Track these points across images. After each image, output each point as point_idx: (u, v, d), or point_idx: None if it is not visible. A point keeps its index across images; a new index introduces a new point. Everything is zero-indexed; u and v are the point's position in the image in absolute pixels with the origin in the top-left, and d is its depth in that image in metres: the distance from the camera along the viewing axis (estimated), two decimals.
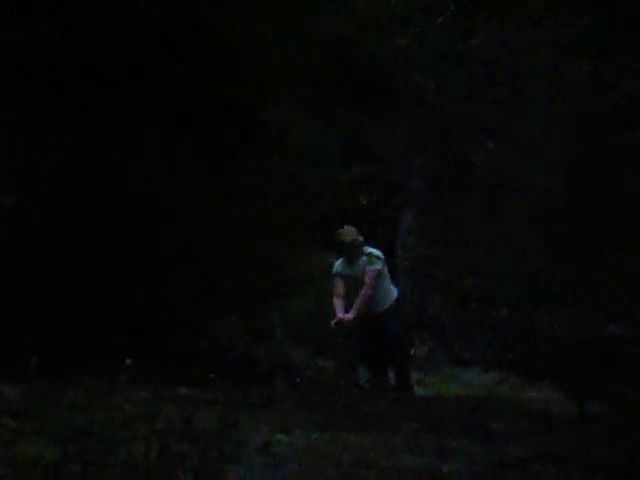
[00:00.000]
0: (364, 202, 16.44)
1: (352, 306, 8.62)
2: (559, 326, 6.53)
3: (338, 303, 8.72)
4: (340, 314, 8.60)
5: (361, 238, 8.79)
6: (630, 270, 5.88)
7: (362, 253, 8.75)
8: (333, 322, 8.62)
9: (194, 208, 8.23)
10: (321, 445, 5.00)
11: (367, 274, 8.65)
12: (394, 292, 9.01)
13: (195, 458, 4.32)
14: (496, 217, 15.36)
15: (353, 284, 8.72)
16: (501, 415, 6.81)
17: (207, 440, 4.66)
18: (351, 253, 8.72)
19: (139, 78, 7.54)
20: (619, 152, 7.21)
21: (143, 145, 7.80)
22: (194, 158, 8.20)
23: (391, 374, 8.93)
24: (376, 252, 8.84)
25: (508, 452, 5.18)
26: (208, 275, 8.61)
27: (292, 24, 7.96)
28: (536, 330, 6.75)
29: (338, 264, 8.88)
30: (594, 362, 5.89)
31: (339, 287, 8.78)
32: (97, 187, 7.56)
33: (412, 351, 14.41)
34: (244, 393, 6.71)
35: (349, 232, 8.77)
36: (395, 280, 14.25)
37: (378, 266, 8.73)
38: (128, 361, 6.67)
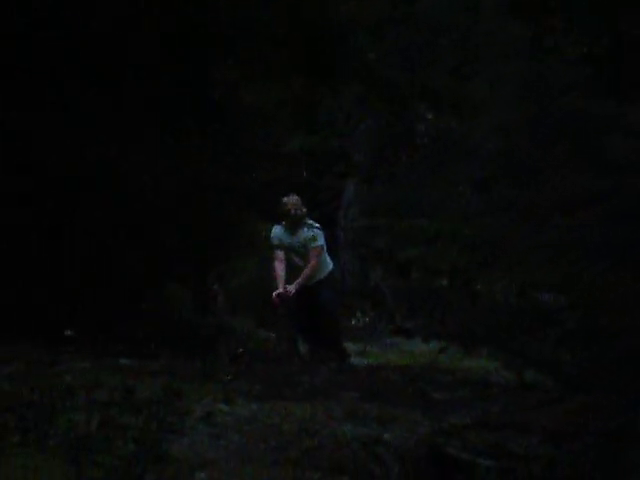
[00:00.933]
0: (306, 171, 16.42)
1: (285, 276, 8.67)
2: (498, 294, 6.60)
3: (280, 273, 8.72)
4: (281, 285, 8.61)
5: (304, 209, 8.79)
6: (568, 235, 5.95)
7: (304, 224, 8.76)
8: (275, 294, 8.63)
9: (139, 171, 8.15)
10: (263, 415, 5.02)
11: (312, 250, 8.68)
12: (329, 264, 9.04)
13: (137, 429, 4.32)
14: (439, 182, 15.47)
15: (294, 253, 8.75)
16: (441, 384, 6.88)
17: (149, 411, 4.66)
18: (293, 223, 8.72)
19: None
20: (559, 115, 7.29)
21: (97, 111, 7.72)
22: (143, 120, 8.13)
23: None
24: (317, 225, 8.86)
25: (448, 420, 5.25)
26: (149, 243, 8.55)
27: None
28: (476, 299, 6.82)
29: (277, 231, 8.82)
30: (531, 330, 5.98)
31: (281, 255, 8.78)
32: (51, 149, 7.45)
33: (352, 322, 14.51)
34: (186, 363, 6.71)
35: (294, 202, 8.75)
36: (336, 251, 14.29)
37: (321, 241, 8.78)
38: (68, 332, 6.64)
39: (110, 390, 5.06)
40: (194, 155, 8.93)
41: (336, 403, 5.56)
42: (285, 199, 8.76)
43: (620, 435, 4.82)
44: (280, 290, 8.60)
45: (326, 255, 9.02)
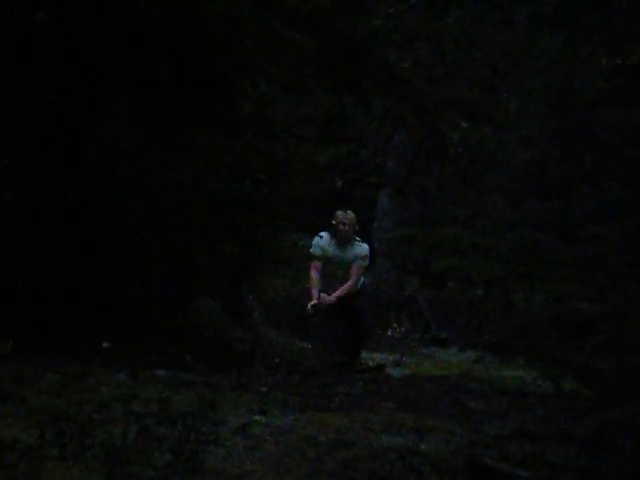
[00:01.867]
0: (340, 183, 16.44)
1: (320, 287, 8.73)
2: (535, 304, 6.56)
3: (316, 283, 8.74)
4: (316, 295, 8.64)
5: (357, 227, 8.86)
6: (604, 247, 5.90)
7: (354, 240, 8.83)
8: (310, 304, 8.66)
9: (171, 187, 8.20)
10: (298, 426, 5.02)
11: (358, 268, 8.77)
12: (362, 276, 9.12)
13: (173, 440, 4.33)
14: (472, 194, 15.43)
15: (335, 266, 8.79)
16: (477, 394, 6.86)
17: (185, 422, 4.67)
18: (345, 238, 8.76)
19: (115, 55, 7.50)
20: (593, 128, 7.24)
21: (120, 122, 7.76)
22: (172, 137, 8.18)
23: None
24: (366, 246, 8.94)
25: (485, 430, 5.23)
26: (185, 256, 8.59)
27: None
28: (512, 308, 6.78)
29: (325, 243, 8.83)
30: (568, 339, 5.93)
31: (318, 265, 8.80)
32: (75, 165, 7.51)
33: (388, 332, 14.49)
34: (222, 374, 6.73)
35: (350, 218, 8.79)
36: (371, 261, 14.31)
37: (367, 262, 8.88)
38: (105, 344, 6.67)
39: (146, 402, 5.08)
40: (226, 170, 8.97)
41: (372, 414, 5.56)
42: (341, 212, 8.79)
43: None
44: (315, 301, 8.63)
45: None
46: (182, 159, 8.40)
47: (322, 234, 8.86)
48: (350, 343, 8.96)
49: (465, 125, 14.38)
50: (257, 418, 5.11)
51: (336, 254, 8.79)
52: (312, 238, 8.99)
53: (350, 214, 8.81)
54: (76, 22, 7.34)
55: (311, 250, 8.86)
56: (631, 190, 6.07)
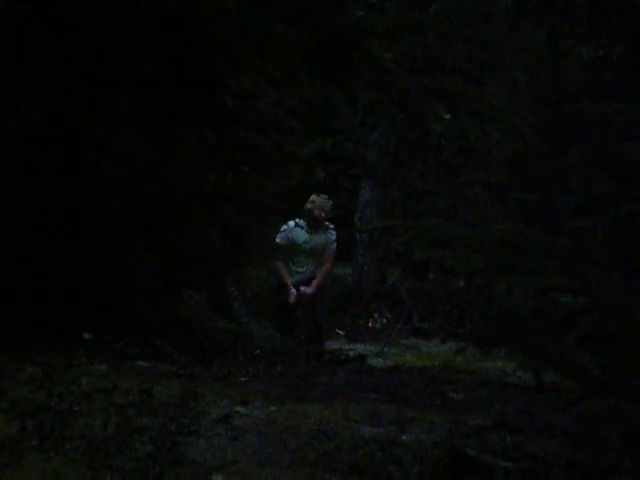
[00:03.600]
0: (323, 174, 16.44)
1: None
2: (517, 296, 6.58)
3: (285, 271, 8.71)
4: (288, 281, 8.59)
5: (330, 213, 8.83)
6: (587, 239, 5.93)
7: (327, 227, 8.82)
8: (292, 296, 8.65)
9: (154, 179, 8.18)
10: (280, 417, 5.02)
11: (331, 253, 8.76)
12: None
13: (154, 431, 4.32)
14: (455, 186, 15.46)
15: (305, 252, 8.77)
16: (459, 385, 6.88)
17: (166, 413, 4.66)
18: (315, 223, 8.73)
19: (101, 49, 7.47)
20: (578, 121, 7.27)
21: (103, 113, 7.73)
22: (153, 128, 8.15)
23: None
24: (332, 227, 8.92)
25: (466, 421, 5.24)
26: (169, 248, 8.57)
27: None
28: (494, 300, 6.80)
29: (290, 229, 8.81)
30: (550, 331, 5.95)
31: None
32: (58, 158, 7.49)
33: (370, 323, 14.52)
34: (204, 366, 6.72)
35: (320, 202, 8.75)
36: (353, 252, 14.32)
37: (336, 245, 8.88)
38: (86, 335, 6.65)
39: (127, 393, 5.07)
40: (210, 163, 8.95)
41: (354, 404, 5.56)
42: (314, 197, 8.75)
43: None
44: (293, 290, 8.62)
45: None
46: (166, 151, 8.37)
47: (289, 222, 8.84)
48: (314, 332, 8.96)
49: (448, 117, 14.41)
50: (238, 409, 5.10)
51: (305, 239, 8.75)
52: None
53: (320, 198, 8.76)
54: (68, 19, 7.32)
55: (276, 239, 8.83)
56: (614, 183, 6.10)
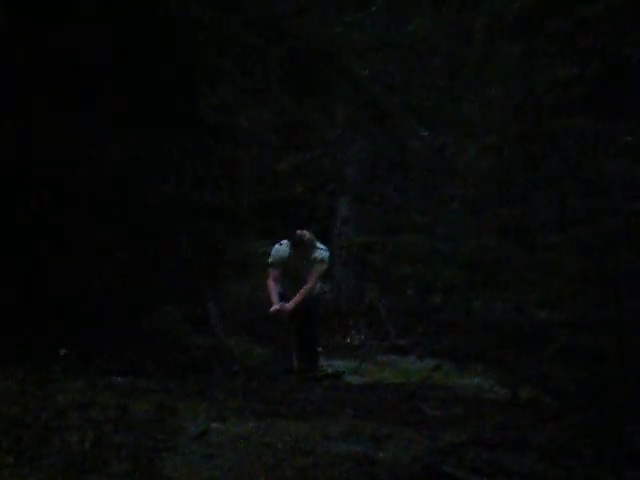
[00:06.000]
0: (300, 189, 16.45)
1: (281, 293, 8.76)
2: (494, 312, 6.61)
3: (275, 290, 8.80)
4: (277, 302, 8.69)
5: (314, 241, 8.87)
6: (562, 255, 5.96)
7: (314, 249, 8.85)
8: (272, 310, 8.69)
9: (130, 192, 8.17)
10: (257, 433, 5.01)
11: (315, 271, 8.78)
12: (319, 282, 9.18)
13: (130, 447, 4.31)
14: (432, 202, 15.50)
15: (293, 273, 8.81)
16: (436, 401, 6.88)
17: (143, 429, 4.65)
18: (303, 255, 8.80)
19: (76, 60, 7.46)
20: (552, 136, 7.31)
21: (77, 126, 7.72)
22: (130, 141, 8.15)
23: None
24: (326, 249, 8.96)
25: (443, 437, 5.24)
26: (145, 262, 8.55)
27: (228, 4, 7.95)
28: (470, 316, 6.82)
29: (283, 251, 8.87)
30: (526, 347, 5.98)
31: (276, 273, 8.85)
32: (31, 171, 7.46)
33: (347, 339, 14.51)
34: (180, 381, 6.70)
35: (306, 241, 8.81)
36: (331, 268, 14.30)
37: (326, 266, 8.91)
38: (63, 351, 6.62)
39: (104, 409, 5.05)
40: (187, 177, 8.96)
41: (331, 421, 5.55)
42: (297, 234, 8.80)
43: (616, 453, 4.81)
44: (277, 306, 8.67)
45: None
46: (144, 165, 8.37)
47: (282, 242, 8.89)
48: (306, 350, 9.01)
49: (425, 133, 14.46)
50: (215, 425, 5.08)
51: (295, 262, 8.82)
52: (272, 246, 9.02)
53: (306, 236, 8.81)
54: (38, 27, 7.31)
55: (269, 259, 8.91)
56: (588, 198, 6.13)
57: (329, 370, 9.80)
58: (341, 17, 12.06)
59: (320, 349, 9.88)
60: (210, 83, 8.77)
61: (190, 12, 7.57)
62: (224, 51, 8.16)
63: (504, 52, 9.20)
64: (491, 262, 6.25)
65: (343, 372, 9.69)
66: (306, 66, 8.30)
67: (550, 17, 6.78)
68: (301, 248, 8.77)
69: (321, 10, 8.62)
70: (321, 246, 8.96)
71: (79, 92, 7.62)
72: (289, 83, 8.56)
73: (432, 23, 14.65)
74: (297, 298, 8.72)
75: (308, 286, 8.77)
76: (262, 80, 8.53)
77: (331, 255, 9.39)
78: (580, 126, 6.51)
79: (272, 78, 8.45)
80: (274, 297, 8.77)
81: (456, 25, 14.56)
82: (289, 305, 8.70)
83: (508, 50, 8.78)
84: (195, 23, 7.70)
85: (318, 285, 9.15)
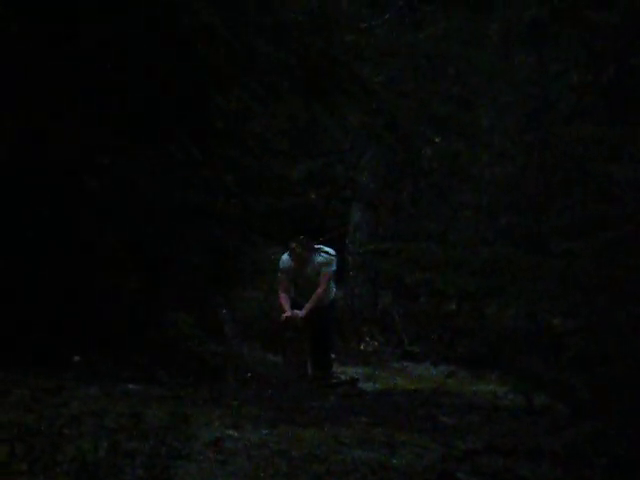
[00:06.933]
0: (313, 196, 16.47)
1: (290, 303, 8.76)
2: (507, 318, 6.59)
3: (285, 299, 8.82)
4: (288, 310, 8.71)
5: (310, 245, 8.85)
6: (576, 262, 5.94)
7: (316, 253, 8.84)
8: (284, 316, 8.71)
9: (142, 198, 8.17)
10: (271, 440, 5.00)
11: (325, 275, 8.78)
12: (334, 288, 9.16)
13: (144, 455, 4.30)
14: (446, 209, 15.50)
15: (301, 280, 8.83)
16: (450, 408, 6.87)
17: (157, 437, 4.64)
18: (302, 265, 8.82)
19: (87, 66, 7.48)
20: (566, 143, 7.29)
21: (91, 133, 7.73)
22: (141, 146, 8.16)
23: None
24: (332, 252, 8.96)
25: (457, 445, 5.23)
26: (158, 269, 8.56)
27: (240, 10, 7.96)
28: (485, 323, 6.81)
29: (287, 261, 8.91)
30: (540, 354, 5.96)
31: (285, 282, 8.89)
32: (41, 175, 7.47)
33: (361, 346, 14.51)
34: (194, 389, 6.69)
35: (299, 253, 8.81)
36: (345, 275, 14.30)
37: (334, 267, 8.91)
38: (76, 358, 6.62)
39: (117, 416, 5.04)
40: (199, 183, 8.96)
41: (345, 428, 5.54)
42: (294, 244, 8.81)
43: (630, 460, 4.79)
44: (288, 313, 8.69)
45: (334, 279, 9.12)
46: (155, 171, 8.37)
47: (287, 253, 8.95)
48: (320, 357, 9.01)
49: (438, 140, 14.46)
50: (229, 432, 5.08)
51: (300, 271, 8.84)
52: (282, 253, 9.06)
53: (297, 249, 8.81)
54: (45, 34, 7.33)
55: (279, 270, 8.95)
56: (601, 205, 6.11)
57: (343, 377, 9.80)
58: (354, 24, 12.05)
59: (334, 356, 9.88)
60: (222, 89, 8.78)
61: (201, 18, 7.58)
62: (236, 57, 8.17)
63: (517, 60, 9.21)
64: (504, 269, 6.23)
65: (357, 379, 9.68)
66: (319, 73, 8.31)
67: (563, 24, 6.79)
68: (298, 259, 8.80)
69: (334, 17, 8.61)
70: (326, 249, 8.96)
71: (81, 92, 7.62)
72: (302, 90, 8.57)
73: (445, 30, 14.66)
74: (309, 305, 8.74)
75: (319, 291, 8.77)
76: (274, 86, 8.53)
77: (339, 257, 9.38)
78: (592, 134, 6.50)
79: (284, 85, 8.46)
80: (285, 305, 8.80)
81: (470, 32, 14.57)
82: (301, 312, 8.72)
83: (521, 59, 8.78)
84: (207, 29, 7.70)
85: (333, 291, 9.15)
